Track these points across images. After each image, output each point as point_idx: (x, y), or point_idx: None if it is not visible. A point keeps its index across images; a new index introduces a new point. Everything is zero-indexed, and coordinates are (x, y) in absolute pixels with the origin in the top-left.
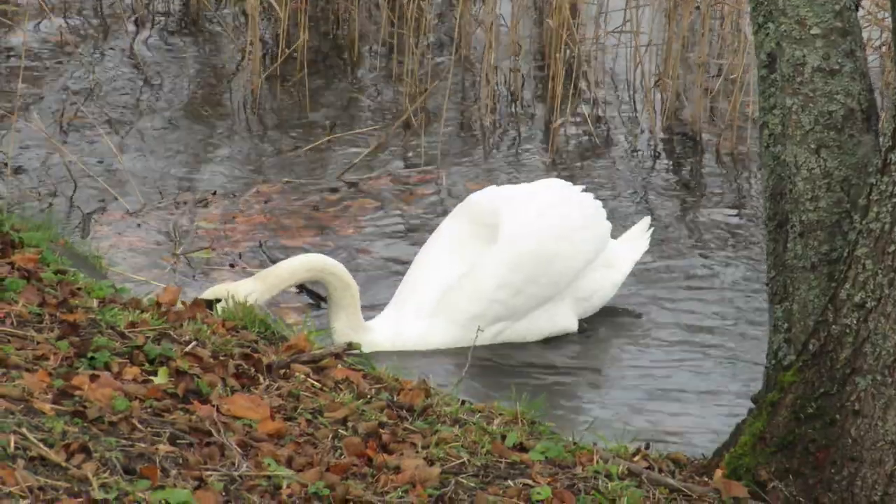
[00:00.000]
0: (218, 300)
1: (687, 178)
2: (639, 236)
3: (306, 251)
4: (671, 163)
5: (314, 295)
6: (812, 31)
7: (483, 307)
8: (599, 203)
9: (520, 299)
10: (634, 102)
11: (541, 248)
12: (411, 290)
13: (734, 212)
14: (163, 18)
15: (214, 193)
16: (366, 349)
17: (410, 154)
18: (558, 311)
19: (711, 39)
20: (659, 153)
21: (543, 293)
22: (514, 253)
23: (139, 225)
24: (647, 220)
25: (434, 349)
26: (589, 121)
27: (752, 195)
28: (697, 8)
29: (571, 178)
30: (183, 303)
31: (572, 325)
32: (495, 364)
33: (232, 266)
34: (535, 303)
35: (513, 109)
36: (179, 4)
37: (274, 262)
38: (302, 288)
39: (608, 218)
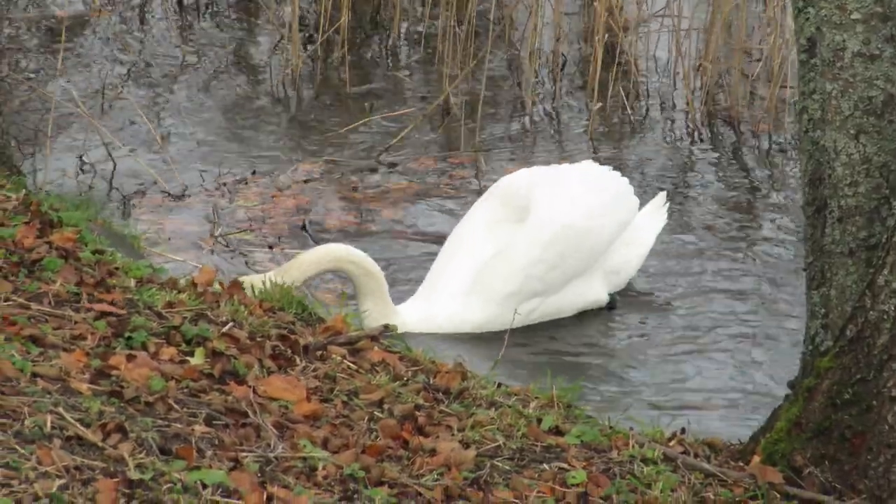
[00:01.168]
0: None
1: (725, 163)
2: (657, 210)
3: (346, 232)
4: (710, 147)
5: None
6: (852, 16)
7: (518, 284)
8: (627, 180)
9: (554, 274)
10: (675, 86)
11: (573, 223)
12: (443, 272)
13: (772, 196)
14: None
15: (254, 173)
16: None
17: (450, 135)
18: (590, 285)
19: (752, 24)
20: (698, 137)
21: (576, 268)
22: (548, 228)
23: (179, 206)
24: (663, 194)
25: (468, 331)
26: (629, 104)
27: (790, 180)
28: None
29: (611, 161)
30: (220, 283)
31: (603, 299)
32: (527, 345)
33: (271, 247)
34: (568, 278)
35: (553, 92)
36: None
37: (317, 242)
38: None
39: (645, 199)
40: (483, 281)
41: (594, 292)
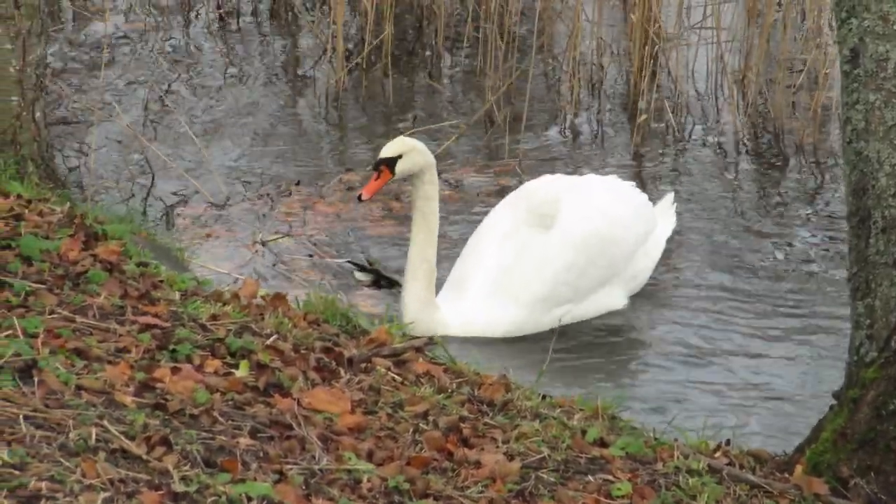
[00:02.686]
0: (400, 156)
1: (768, 174)
2: (666, 213)
3: (388, 240)
4: (752, 158)
5: (387, 280)
6: (895, 27)
7: (550, 289)
8: (645, 195)
9: (584, 281)
10: (717, 97)
11: (602, 230)
12: (471, 275)
13: (814, 207)
14: (248, 10)
15: (298, 183)
16: (433, 326)
17: (492, 146)
18: (611, 290)
19: (794, 35)
20: (741, 148)
21: (603, 274)
22: (579, 235)
23: (222, 216)
24: (670, 196)
25: (499, 335)
26: (671, 115)
27: (833, 191)
28: (779, 3)
29: (653, 173)
30: (264, 296)
31: (622, 303)
32: (567, 353)
33: (311, 256)
34: (597, 284)
35: (595, 103)
36: None
37: (367, 260)
38: (382, 277)
39: (689, 210)
40: (515, 286)
41: (615, 297)
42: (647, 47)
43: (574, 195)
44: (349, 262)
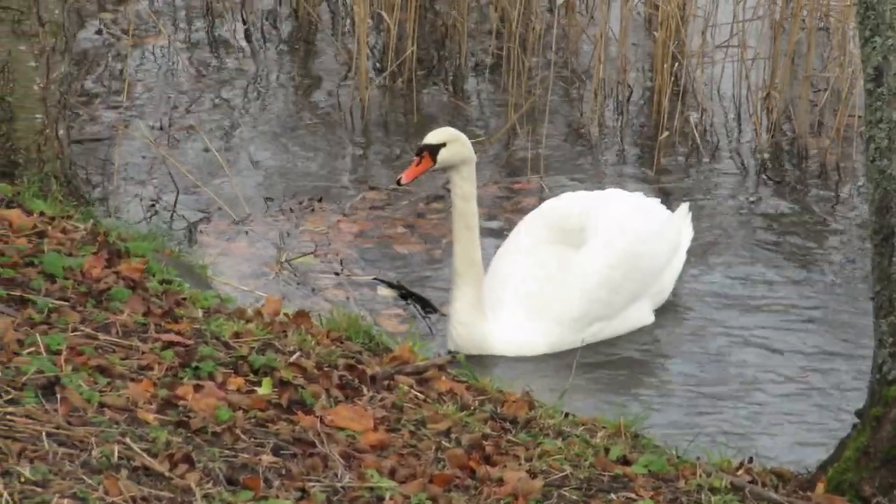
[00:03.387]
0: (443, 144)
1: (792, 192)
2: (683, 225)
3: (411, 257)
4: (777, 176)
5: (421, 301)
6: None
7: (587, 307)
8: (668, 212)
9: (617, 297)
10: (740, 116)
11: (635, 247)
12: (501, 293)
13: (838, 226)
14: (272, 28)
15: (320, 200)
16: (480, 334)
17: (516, 163)
18: (640, 306)
19: (819, 53)
20: (765, 166)
21: (636, 290)
22: (613, 252)
23: (246, 233)
24: (685, 206)
25: (538, 353)
26: (696, 133)
27: (856, 209)
28: (804, 21)
29: (677, 190)
30: (286, 314)
31: (650, 319)
32: (590, 371)
33: (337, 274)
34: (629, 300)
35: (619, 121)
36: (289, 14)
37: (398, 287)
38: (409, 294)
39: (710, 227)
40: (551, 304)
41: (644, 313)
42: (669, 65)
43: (602, 212)
44: (375, 279)
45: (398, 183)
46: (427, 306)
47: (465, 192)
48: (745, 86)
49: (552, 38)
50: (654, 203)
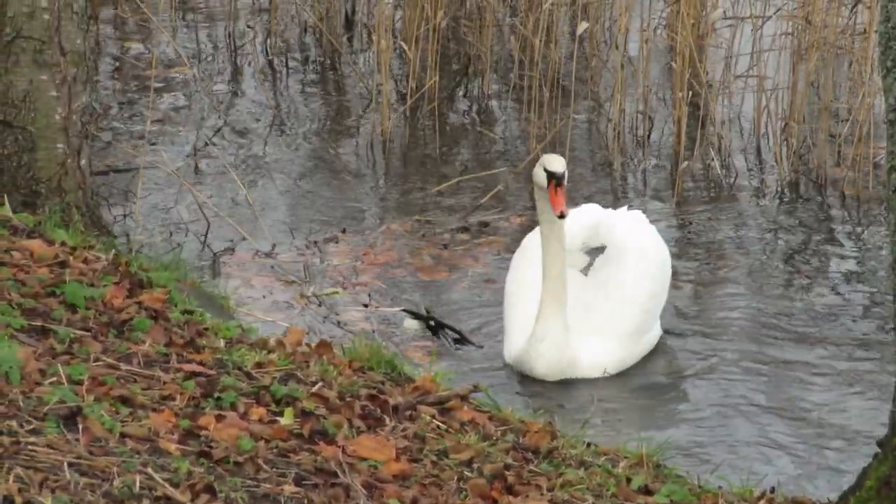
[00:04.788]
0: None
1: (811, 224)
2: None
3: (435, 286)
4: (796, 207)
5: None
6: None
7: (641, 320)
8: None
9: (658, 307)
10: (759, 146)
11: (663, 256)
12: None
13: (858, 258)
14: (295, 57)
15: (344, 232)
16: (568, 363)
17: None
18: (657, 318)
19: (839, 83)
20: (784, 197)
21: (664, 300)
22: (652, 263)
23: (271, 265)
24: (637, 213)
25: (611, 373)
26: (716, 163)
27: (877, 240)
28: (823, 52)
29: (697, 220)
30: (308, 345)
31: (660, 331)
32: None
33: (366, 305)
34: (660, 311)
35: (640, 151)
36: (313, 45)
37: (427, 318)
38: (440, 325)
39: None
40: (609, 322)
41: (657, 326)
42: (686, 94)
43: (623, 226)
44: (403, 310)
45: (561, 216)
46: (458, 337)
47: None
48: (765, 115)
49: (573, 66)
50: (640, 215)
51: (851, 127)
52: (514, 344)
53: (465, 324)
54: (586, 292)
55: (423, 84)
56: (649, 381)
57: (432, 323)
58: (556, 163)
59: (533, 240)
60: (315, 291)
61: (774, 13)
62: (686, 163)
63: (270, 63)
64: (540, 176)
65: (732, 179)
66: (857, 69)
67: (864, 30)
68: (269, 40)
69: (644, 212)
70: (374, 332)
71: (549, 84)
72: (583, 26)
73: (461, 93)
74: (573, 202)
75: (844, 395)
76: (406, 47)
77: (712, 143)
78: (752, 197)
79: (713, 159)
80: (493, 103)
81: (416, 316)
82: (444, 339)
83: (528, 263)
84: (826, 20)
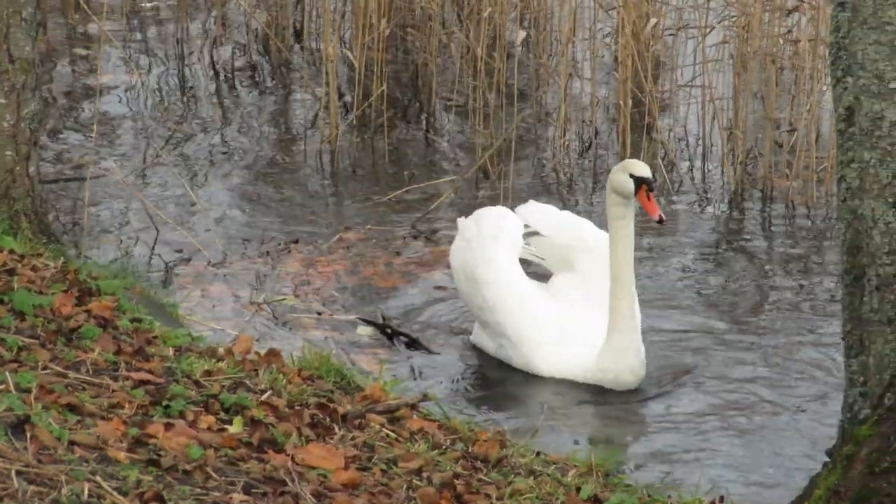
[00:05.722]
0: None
1: (758, 231)
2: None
3: (390, 294)
4: (742, 216)
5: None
6: (891, 86)
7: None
8: None
9: None
10: (705, 155)
11: None
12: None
13: (805, 265)
14: (244, 66)
15: (296, 241)
16: (641, 369)
17: (485, 203)
18: None
19: (781, 92)
20: (730, 206)
21: None
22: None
23: (223, 275)
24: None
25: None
26: (661, 171)
27: (823, 249)
28: (773, 61)
29: (645, 229)
30: (257, 353)
31: None
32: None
33: (319, 314)
34: None
35: (587, 160)
36: (260, 54)
37: (383, 325)
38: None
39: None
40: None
41: None
42: (630, 104)
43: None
44: (359, 318)
45: (660, 221)
46: (413, 344)
47: (623, 218)
48: (710, 126)
49: (515, 77)
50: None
51: (795, 136)
52: (564, 356)
53: (419, 331)
54: (592, 294)
55: (371, 93)
56: (600, 390)
57: (388, 330)
58: (644, 168)
59: (495, 251)
60: (266, 299)
61: (717, 23)
62: None
63: (220, 71)
64: (626, 183)
65: (678, 187)
66: (797, 78)
67: (798, 39)
68: (219, 48)
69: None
70: (326, 339)
71: (495, 93)
72: (521, 35)
73: (409, 101)
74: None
75: (792, 404)
76: (352, 56)
77: (657, 152)
78: (698, 205)
79: (658, 168)
80: (441, 112)
81: (371, 323)
82: (398, 347)
83: (505, 274)
84: (764, 30)
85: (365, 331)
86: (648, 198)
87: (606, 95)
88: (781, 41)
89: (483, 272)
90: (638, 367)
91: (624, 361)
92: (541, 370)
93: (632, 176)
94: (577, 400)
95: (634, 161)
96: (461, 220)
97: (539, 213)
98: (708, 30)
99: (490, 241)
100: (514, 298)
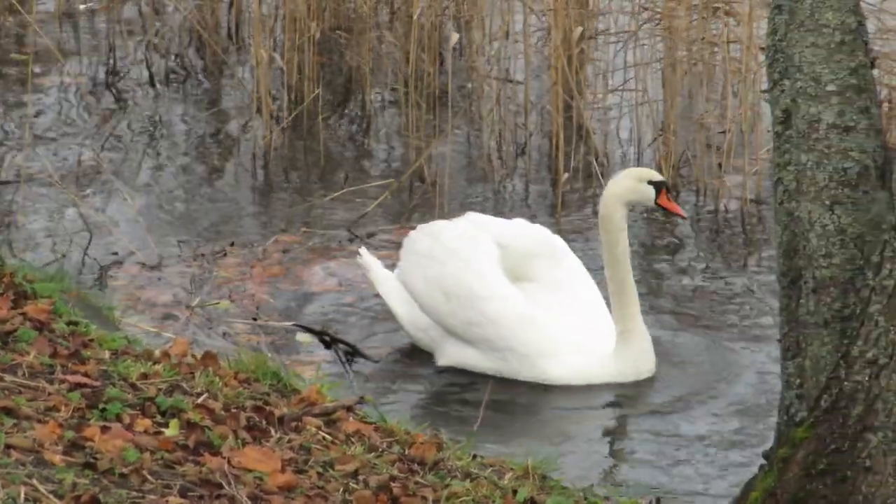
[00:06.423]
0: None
1: (692, 233)
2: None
3: (326, 298)
4: (675, 219)
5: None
6: (827, 88)
7: None
8: None
9: None
10: (639, 158)
11: None
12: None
13: (742, 268)
14: (180, 69)
15: (232, 245)
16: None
17: (420, 206)
18: None
19: (711, 94)
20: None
21: None
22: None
23: (158, 277)
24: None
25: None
26: (596, 174)
27: (759, 251)
28: (695, 63)
29: (578, 232)
30: (194, 356)
31: None
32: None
33: (255, 320)
34: None
35: (520, 164)
36: (194, 57)
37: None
38: (333, 340)
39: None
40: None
41: None
42: (562, 107)
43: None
44: (295, 325)
45: (683, 218)
46: (352, 351)
47: (624, 226)
48: (644, 128)
49: (449, 80)
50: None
51: (728, 138)
52: (579, 362)
53: (358, 339)
54: (577, 294)
55: (304, 96)
56: (536, 395)
57: (326, 338)
58: (655, 173)
59: (481, 263)
60: (202, 303)
61: (642, 25)
62: (566, 174)
63: (154, 74)
64: (646, 192)
65: None
66: (727, 81)
67: (719, 41)
68: (152, 51)
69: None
70: (259, 343)
71: (427, 96)
72: (454, 38)
73: (343, 104)
74: (455, 215)
75: (730, 406)
76: (281, 59)
77: (590, 156)
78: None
79: (592, 172)
80: (375, 114)
81: (309, 330)
82: (337, 354)
83: (500, 286)
84: (691, 34)
85: (304, 338)
86: (669, 198)
87: (539, 99)
88: (709, 44)
89: (475, 286)
90: (652, 364)
91: (642, 363)
92: (557, 379)
93: (650, 182)
94: (517, 402)
95: (640, 169)
96: (411, 235)
97: (488, 223)
98: (636, 34)
99: (470, 252)
100: (516, 309)
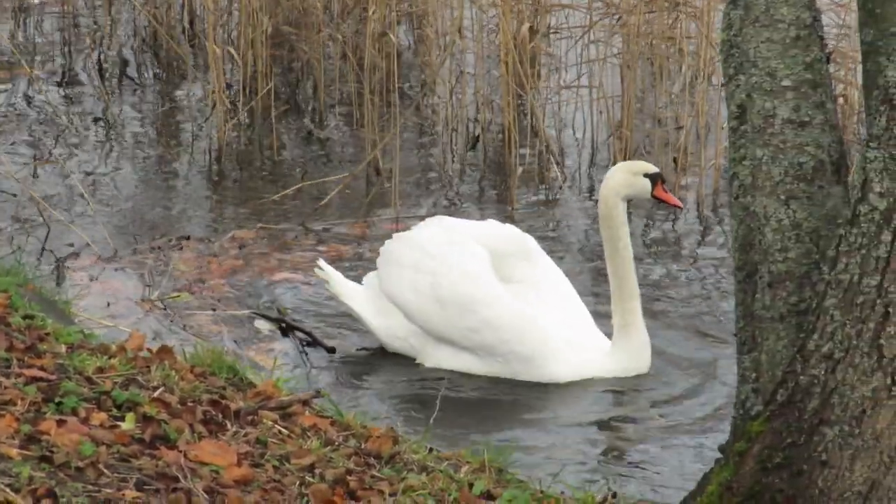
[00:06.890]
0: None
1: (646, 228)
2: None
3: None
4: (631, 212)
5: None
6: (783, 83)
7: None
8: None
9: None
10: (594, 154)
11: None
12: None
13: (697, 263)
14: (132, 64)
15: (188, 238)
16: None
17: (375, 200)
18: None
19: (668, 90)
20: None
21: None
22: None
23: (114, 270)
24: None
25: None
26: (553, 169)
27: (715, 245)
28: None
29: (532, 225)
30: (149, 349)
31: None
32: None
33: (214, 310)
34: None
35: (475, 158)
36: (148, 51)
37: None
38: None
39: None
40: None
41: None
42: (512, 101)
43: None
44: (254, 313)
45: (680, 208)
46: (310, 339)
47: (625, 220)
48: (597, 124)
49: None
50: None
51: (682, 133)
52: (580, 359)
53: (315, 327)
54: (564, 290)
55: (258, 91)
56: (490, 390)
57: (283, 325)
58: (650, 165)
59: (476, 266)
60: (161, 295)
61: (597, 21)
62: (520, 169)
63: (108, 69)
64: (643, 185)
65: (567, 186)
66: (683, 76)
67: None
68: (107, 46)
69: (480, 218)
70: (221, 333)
71: (379, 91)
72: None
73: (297, 99)
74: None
75: (685, 400)
76: (235, 54)
77: (543, 151)
78: (586, 203)
79: (547, 167)
80: (328, 109)
81: (267, 318)
82: (294, 342)
83: (496, 288)
84: (648, 29)
85: (262, 325)
86: (665, 190)
87: (489, 93)
88: (666, 40)
89: (474, 293)
90: (649, 357)
91: (642, 357)
92: (561, 377)
93: (645, 175)
94: (473, 395)
95: (635, 162)
96: (388, 245)
97: (460, 226)
98: (590, 29)
99: (463, 259)
100: (515, 311)
